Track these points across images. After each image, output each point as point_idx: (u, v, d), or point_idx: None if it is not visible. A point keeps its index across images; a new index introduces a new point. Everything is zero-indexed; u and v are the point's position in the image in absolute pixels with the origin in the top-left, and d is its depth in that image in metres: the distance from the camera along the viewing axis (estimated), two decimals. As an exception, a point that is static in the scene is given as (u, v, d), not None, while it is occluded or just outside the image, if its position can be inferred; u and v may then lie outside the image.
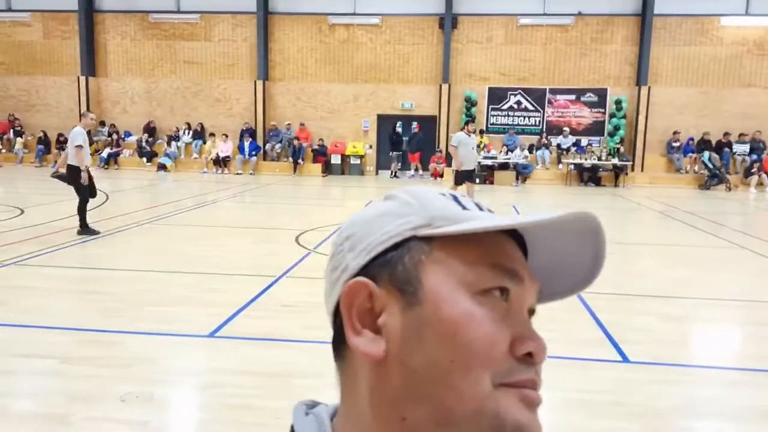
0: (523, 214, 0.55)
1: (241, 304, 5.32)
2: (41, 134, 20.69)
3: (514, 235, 0.57)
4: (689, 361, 4.46)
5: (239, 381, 3.75)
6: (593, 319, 5.16)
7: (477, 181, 18.43)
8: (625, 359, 4.25)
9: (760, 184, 17.81)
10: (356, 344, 0.53)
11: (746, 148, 18.83)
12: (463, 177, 11.65)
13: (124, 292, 5.72)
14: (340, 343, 0.57)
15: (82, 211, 8.36)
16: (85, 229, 8.36)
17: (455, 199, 0.58)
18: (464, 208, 0.56)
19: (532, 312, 0.57)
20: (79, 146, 8.32)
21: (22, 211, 10.36)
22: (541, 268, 0.59)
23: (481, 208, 0.58)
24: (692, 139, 19.08)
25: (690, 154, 19.10)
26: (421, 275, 0.52)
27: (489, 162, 18.68)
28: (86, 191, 8.42)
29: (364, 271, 0.55)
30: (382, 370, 0.52)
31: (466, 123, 12.13)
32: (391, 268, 0.54)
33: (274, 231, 9.63)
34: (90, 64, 20.96)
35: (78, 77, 21.04)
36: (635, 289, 6.25)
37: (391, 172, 19.96)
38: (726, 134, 18.91)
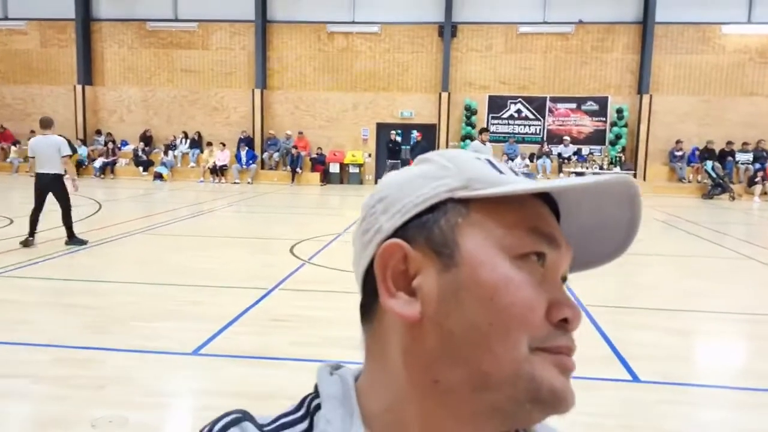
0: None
1: (230, 318, 5.07)
2: (37, 143, 20.48)
3: (548, 202, 0.56)
4: (699, 380, 4.20)
5: (221, 403, 3.49)
6: (599, 334, 4.91)
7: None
8: (635, 378, 3.99)
9: (763, 193, 17.59)
10: (391, 306, 0.52)
11: (749, 157, 18.62)
12: None
13: (109, 306, 5.47)
14: (369, 306, 0.57)
15: (69, 219, 8.12)
16: (73, 239, 8.12)
17: (491, 163, 0.57)
18: (501, 172, 0.56)
19: (564, 279, 0.56)
20: (69, 155, 8.15)
21: (12, 221, 10.12)
22: (573, 236, 0.58)
23: (516, 173, 0.57)
24: (697, 149, 18.86)
25: (693, 163, 18.89)
26: (458, 238, 0.52)
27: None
28: (69, 200, 8.19)
29: (398, 233, 0.54)
30: (417, 332, 0.52)
31: (481, 132, 11.80)
32: (426, 231, 0.53)
33: (268, 241, 9.39)
34: (87, 72, 20.81)
35: (74, 86, 20.88)
36: (641, 302, 6.00)
37: None
38: (729, 143, 18.71)
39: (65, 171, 8.19)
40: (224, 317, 5.07)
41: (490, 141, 19.71)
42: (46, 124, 8.30)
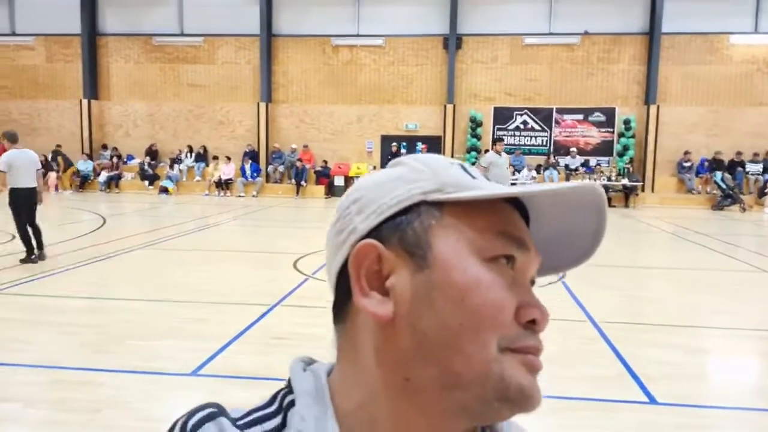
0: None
1: (230, 336, 4.93)
2: (42, 158, 20.48)
3: (518, 208, 0.58)
4: (719, 402, 4.03)
5: (219, 428, 3.35)
6: (612, 352, 4.75)
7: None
8: (652, 400, 3.82)
9: (774, 204, 17.36)
10: (364, 305, 0.53)
11: (759, 167, 18.41)
12: None
13: (108, 324, 5.36)
14: (342, 306, 0.58)
15: (32, 234, 7.97)
16: (31, 256, 7.93)
17: (463, 168, 0.58)
18: (473, 177, 0.58)
19: (532, 282, 0.58)
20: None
21: (14, 237, 10.03)
22: (541, 241, 0.59)
23: (488, 179, 0.59)
24: (706, 161, 18.67)
25: (702, 174, 18.69)
26: (431, 239, 0.53)
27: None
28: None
29: (372, 234, 0.55)
30: (389, 332, 0.53)
31: (495, 142, 11.30)
32: (400, 232, 0.54)
33: (272, 255, 9.27)
34: (93, 87, 20.86)
35: (80, 100, 20.92)
36: (655, 318, 5.83)
37: None
38: (738, 153, 18.51)
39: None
40: (225, 335, 4.94)
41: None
42: (17, 138, 8.17)
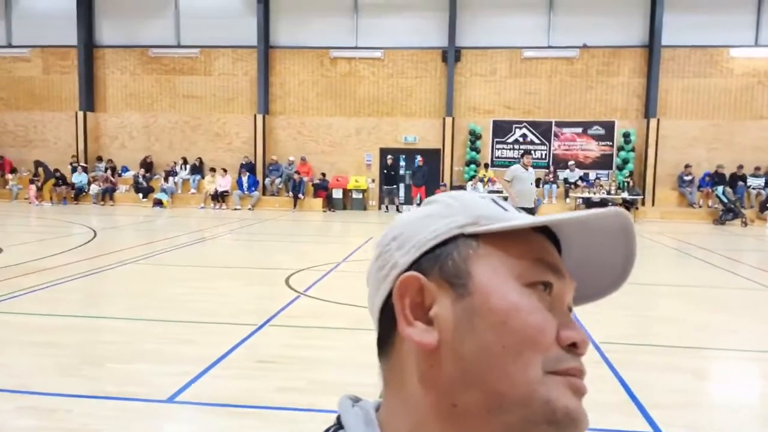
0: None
1: (213, 359, 4.69)
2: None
3: (549, 236, 0.60)
4: None
5: (192, 463, 3.11)
6: (615, 376, 4.50)
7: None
8: (657, 431, 3.58)
9: (777, 218, 17.13)
10: (410, 334, 0.55)
11: (761, 181, 18.22)
12: None
13: (86, 344, 5.11)
14: (386, 339, 0.60)
15: None
16: None
17: (494, 201, 0.62)
18: (505, 209, 0.61)
19: (569, 310, 0.59)
20: None
21: (1, 250, 9.81)
22: (573, 268, 0.61)
23: (519, 211, 0.62)
24: (708, 175, 18.47)
25: (703, 188, 18.49)
26: (470, 268, 0.56)
27: (496, 197, 18.05)
28: None
29: (413, 267, 0.58)
30: (434, 359, 0.55)
31: (523, 155, 10.67)
32: (440, 263, 0.57)
33: (265, 271, 9.02)
34: (89, 99, 20.72)
35: (76, 112, 20.76)
36: (660, 339, 5.59)
37: (386, 206, 19.35)
38: (740, 167, 18.32)
39: None
40: (207, 358, 4.69)
41: (494, 166, 19.46)
42: None
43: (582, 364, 0.55)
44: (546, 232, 0.60)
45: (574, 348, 0.54)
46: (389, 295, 0.58)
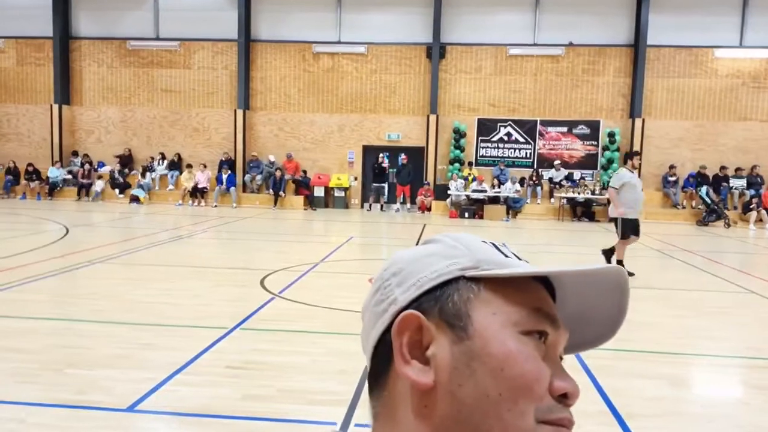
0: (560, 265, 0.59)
1: (179, 365, 4.42)
2: (10, 164, 19.78)
3: (546, 285, 0.61)
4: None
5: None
6: (593, 384, 4.31)
7: (506, 219, 17.58)
8: (642, 445, 3.39)
9: (759, 220, 17.13)
10: (406, 373, 0.55)
11: (743, 182, 18.24)
12: (630, 228, 8.55)
13: (46, 349, 4.82)
14: (380, 374, 0.60)
15: None
16: None
17: (495, 246, 0.62)
18: (506, 255, 0.61)
19: (561, 358, 0.60)
20: None
21: (-36, 248, 9.42)
22: (565, 317, 0.61)
23: (519, 258, 0.62)
24: (693, 176, 18.44)
25: (687, 189, 18.48)
26: (470, 312, 0.56)
27: (480, 196, 17.92)
28: None
29: (412, 305, 0.58)
30: (430, 399, 0.55)
31: (630, 157, 9.09)
32: (440, 304, 0.57)
33: (240, 271, 8.74)
34: (64, 91, 20.20)
35: (51, 105, 20.24)
36: (639, 344, 5.41)
37: (369, 205, 19.03)
38: (723, 168, 18.33)
39: None
40: (172, 363, 4.43)
41: (479, 165, 19.30)
42: None
43: (571, 415, 0.55)
44: (543, 280, 0.60)
45: (564, 398, 0.55)
46: (386, 331, 0.58)
